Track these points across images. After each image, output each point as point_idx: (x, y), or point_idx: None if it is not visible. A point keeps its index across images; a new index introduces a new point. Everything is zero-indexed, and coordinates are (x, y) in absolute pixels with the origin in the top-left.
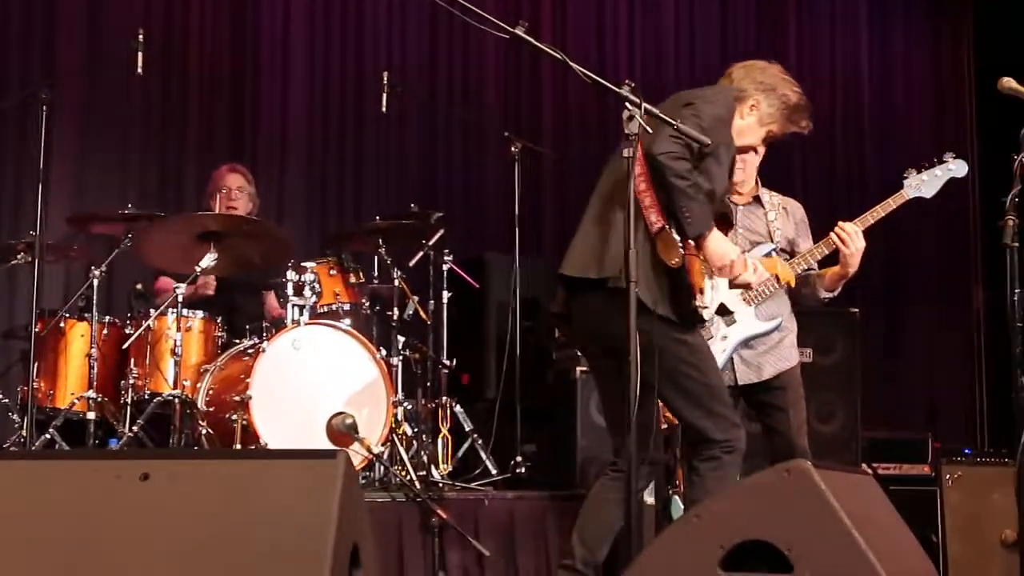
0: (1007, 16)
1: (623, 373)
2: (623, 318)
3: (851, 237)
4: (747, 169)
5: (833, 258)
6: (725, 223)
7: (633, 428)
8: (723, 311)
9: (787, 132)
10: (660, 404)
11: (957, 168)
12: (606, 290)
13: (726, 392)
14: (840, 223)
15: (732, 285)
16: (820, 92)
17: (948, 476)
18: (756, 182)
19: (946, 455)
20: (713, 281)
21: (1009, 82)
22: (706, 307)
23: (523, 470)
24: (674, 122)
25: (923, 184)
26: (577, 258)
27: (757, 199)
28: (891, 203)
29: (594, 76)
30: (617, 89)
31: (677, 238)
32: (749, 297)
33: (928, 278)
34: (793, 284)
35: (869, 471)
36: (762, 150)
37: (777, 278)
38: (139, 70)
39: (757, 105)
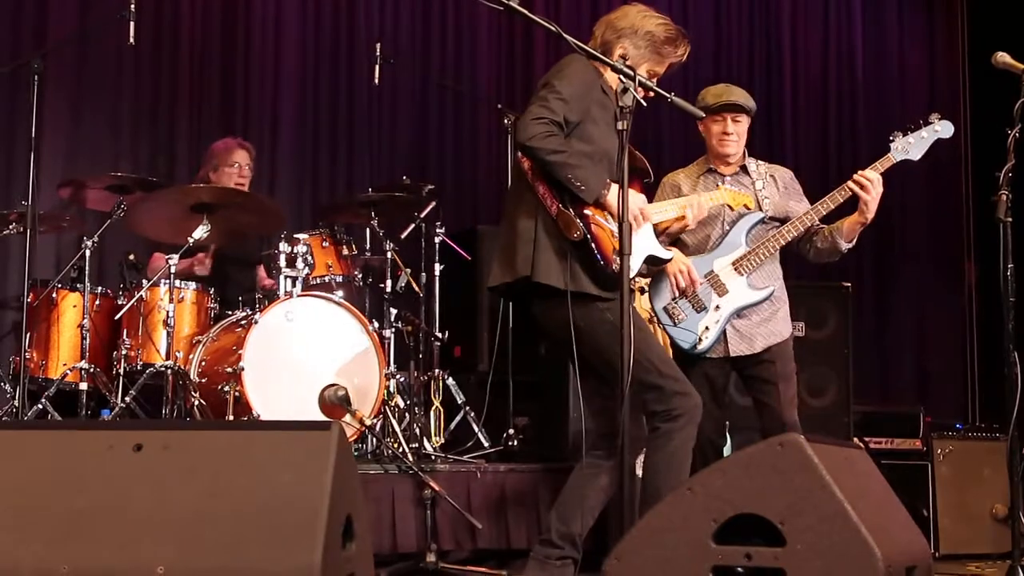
0: None
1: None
2: (548, 307)
3: (872, 183)
4: (738, 140)
5: (843, 211)
6: (639, 177)
7: (626, 403)
8: (654, 262)
9: (666, 66)
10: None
11: (943, 129)
12: (528, 288)
13: (664, 361)
14: (859, 171)
15: (665, 234)
16: (813, 65)
17: (939, 451)
18: (744, 152)
19: (937, 430)
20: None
21: (1004, 56)
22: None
23: (515, 443)
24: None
25: (910, 147)
26: (495, 268)
27: (744, 168)
28: (879, 167)
29: (588, 48)
30: (612, 62)
31: (572, 213)
32: (741, 266)
33: (921, 253)
34: (751, 207)
35: (861, 445)
36: (745, 120)
37: (730, 207)
38: (131, 40)
39: (625, 52)
